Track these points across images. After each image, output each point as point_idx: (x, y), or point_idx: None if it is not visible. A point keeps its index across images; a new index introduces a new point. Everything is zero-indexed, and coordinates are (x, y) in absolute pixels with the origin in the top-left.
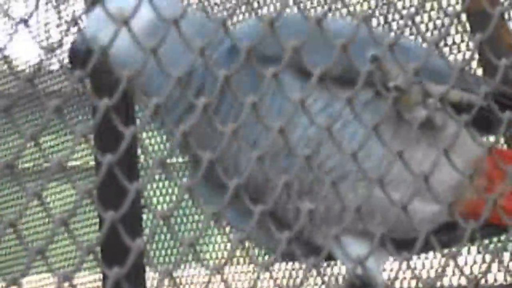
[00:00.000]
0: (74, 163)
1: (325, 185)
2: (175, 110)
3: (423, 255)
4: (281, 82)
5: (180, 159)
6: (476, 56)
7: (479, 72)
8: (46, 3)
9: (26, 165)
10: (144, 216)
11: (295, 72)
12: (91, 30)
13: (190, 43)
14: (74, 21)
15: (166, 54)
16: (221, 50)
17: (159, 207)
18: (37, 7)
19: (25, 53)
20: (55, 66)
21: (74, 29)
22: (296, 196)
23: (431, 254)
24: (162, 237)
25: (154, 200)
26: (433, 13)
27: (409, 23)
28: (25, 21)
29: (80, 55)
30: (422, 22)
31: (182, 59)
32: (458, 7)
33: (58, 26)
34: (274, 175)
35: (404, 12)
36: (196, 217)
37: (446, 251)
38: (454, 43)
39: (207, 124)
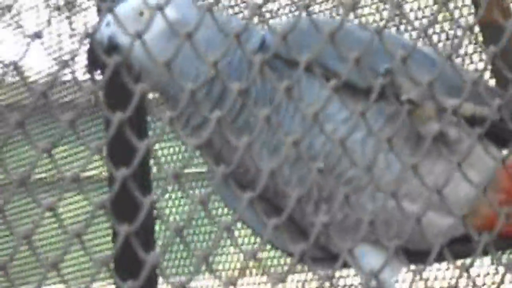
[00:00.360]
0: (87, 173)
1: (344, 194)
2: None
3: (435, 267)
4: (311, 90)
5: (194, 170)
6: (489, 67)
7: (492, 83)
8: (58, 14)
9: (40, 175)
10: (157, 227)
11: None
12: (112, 31)
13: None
14: (88, 35)
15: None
16: (251, 46)
17: (171, 218)
18: (49, 22)
19: (37, 63)
20: (68, 77)
21: (87, 42)
22: (314, 205)
23: (444, 265)
24: (175, 247)
25: (167, 211)
26: (445, 24)
27: (422, 35)
28: (38, 35)
29: (99, 58)
30: (434, 32)
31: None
32: (471, 18)
33: (70, 36)
34: (295, 181)
35: (416, 23)
36: (209, 227)
37: (459, 262)
38: (466, 54)
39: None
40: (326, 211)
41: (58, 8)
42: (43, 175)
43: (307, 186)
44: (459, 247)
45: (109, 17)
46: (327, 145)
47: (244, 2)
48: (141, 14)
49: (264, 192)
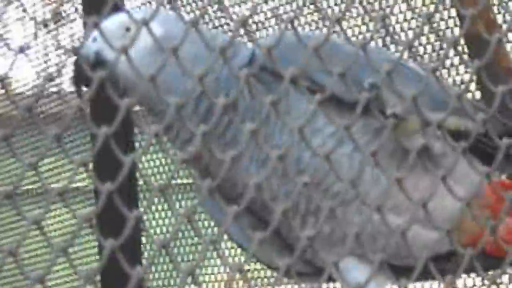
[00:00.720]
0: (74, 185)
1: (331, 208)
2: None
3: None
4: (299, 104)
5: (180, 181)
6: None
7: (478, 95)
8: (45, 25)
9: (27, 187)
10: (143, 239)
11: (309, 95)
12: (98, 46)
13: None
14: (74, 51)
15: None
16: (239, 61)
17: (158, 229)
18: (36, 36)
19: (23, 75)
20: (54, 88)
21: (72, 58)
22: (301, 218)
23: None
24: (161, 260)
25: (154, 222)
26: (431, 36)
27: (407, 49)
28: (23, 49)
29: (84, 73)
30: (420, 44)
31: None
32: (456, 30)
33: (57, 48)
34: (282, 195)
35: (403, 34)
36: (195, 239)
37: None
38: (452, 65)
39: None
40: (312, 225)
41: (45, 25)
42: (30, 186)
43: (293, 199)
44: (445, 264)
45: (95, 32)
46: (314, 159)
47: (229, 15)
48: (128, 29)
49: (251, 205)
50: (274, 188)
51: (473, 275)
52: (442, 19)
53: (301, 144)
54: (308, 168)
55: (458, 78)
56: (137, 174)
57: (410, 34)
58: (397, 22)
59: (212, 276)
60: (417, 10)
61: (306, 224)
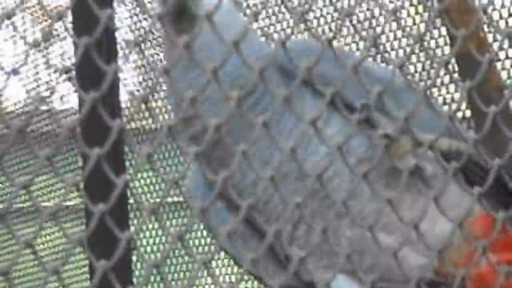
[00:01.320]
0: (66, 203)
1: (325, 217)
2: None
3: None
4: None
5: (171, 199)
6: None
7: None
8: (35, 46)
9: (18, 205)
10: (134, 257)
11: (318, 97)
12: None
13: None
14: (66, 70)
15: None
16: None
17: (149, 248)
18: (27, 58)
19: (14, 94)
20: (45, 107)
21: (63, 77)
22: (293, 225)
23: None
24: (152, 279)
25: (144, 241)
26: (421, 54)
27: (397, 70)
28: (15, 71)
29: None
30: (410, 63)
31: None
32: (447, 48)
33: (47, 68)
34: (277, 199)
35: (393, 53)
36: (187, 258)
37: None
38: (442, 83)
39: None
40: (304, 232)
41: (36, 45)
42: (21, 205)
43: (288, 203)
44: None
45: None
46: (318, 166)
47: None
48: None
49: (250, 214)
50: (270, 192)
51: None
52: (432, 37)
53: (307, 149)
54: (310, 174)
55: (448, 96)
56: (128, 193)
57: (401, 53)
58: (387, 41)
59: None
60: (407, 29)
61: (298, 230)
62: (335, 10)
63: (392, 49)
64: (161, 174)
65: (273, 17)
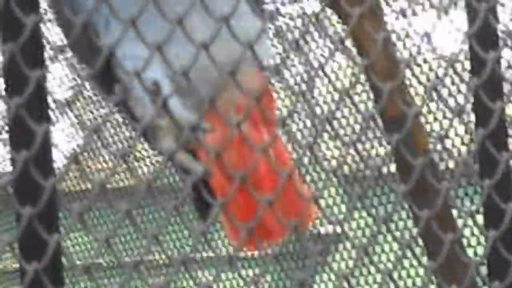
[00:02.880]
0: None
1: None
2: None
3: None
4: None
5: (105, 260)
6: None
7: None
8: None
9: None
10: None
11: None
12: None
13: None
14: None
15: None
16: None
17: None
18: None
19: None
20: None
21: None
22: None
23: None
24: None
25: None
26: (348, 112)
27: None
28: None
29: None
30: (335, 118)
31: None
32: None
33: None
34: None
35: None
36: None
37: None
38: (375, 136)
39: None
40: None
41: None
42: None
43: None
44: None
45: None
46: None
47: None
48: None
49: None
50: None
51: None
52: (356, 93)
53: None
54: None
55: (373, 152)
56: (61, 254)
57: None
58: (312, 97)
59: None
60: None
61: None
62: None
63: (317, 104)
64: (94, 234)
65: None
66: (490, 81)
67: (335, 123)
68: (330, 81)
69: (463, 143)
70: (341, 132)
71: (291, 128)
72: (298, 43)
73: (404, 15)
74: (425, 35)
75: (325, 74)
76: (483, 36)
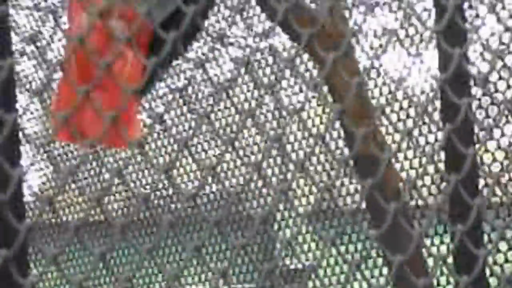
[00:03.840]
0: None
1: None
2: None
3: None
4: None
5: None
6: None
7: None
8: None
9: None
10: None
11: None
12: None
13: None
14: None
15: None
16: None
17: None
18: None
19: None
20: None
21: None
22: None
23: None
24: None
25: None
26: (322, 156)
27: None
28: None
29: None
30: (311, 164)
31: None
32: (346, 150)
33: None
34: None
35: (294, 155)
36: None
37: None
38: (343, 184)
39: None
40: None
41: None
42: None
43: None
44: None
45: None
46: None
47: None
48: None
49: None
50: None
51: None
52: (332, 138)
53: None
54: None
55: (349, 200)
56: None
57: (302, 154)
58: (288, 142)
59: None
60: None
61: None
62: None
63: (293, 151)
64: (67, 275)
65: None
66: (462, 126)
67: (309, 167)
68: (304, 126)
69: (433, 183)
70: (316, 177)
71: (266, 172)
72: (272, 87)
73: (378, 58)
74: (399, 80)
75: (300, 119)
76: (455, 79)
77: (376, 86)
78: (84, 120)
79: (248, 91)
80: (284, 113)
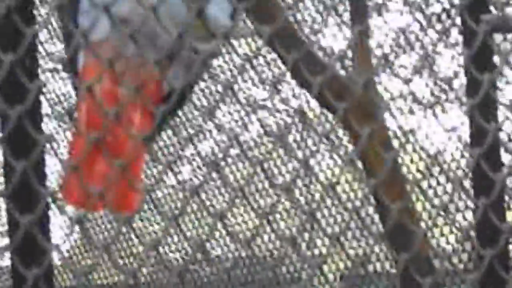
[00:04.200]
0: None
1: None
2: None
3: None
4: None
5: None
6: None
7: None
8: None
9: None
10: None
11: None
12: None
13: None
14: None
15: None
16: None
17: None
18: None
19: None
20: None
21: None
22: None
23: None
24: None
25: None
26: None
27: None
28: None
29: None
30: (322, 216)
31: None
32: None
33: None
34: None
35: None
36: None
37: None
38: (378, 259)
39: None
40: None
41: None
42: None
43: None
44: None
45: None
46: None
47: None
48: None
49: None
50: None
51: None
52: (367, 213)
53: None
54: None
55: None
56: None
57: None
58: (323, 216)
59: None
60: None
61: None
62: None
63: (328, 224)
64: None
65: None
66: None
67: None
68: (339, 200)
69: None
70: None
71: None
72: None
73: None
74: (437, 153)
75: (335, 193)
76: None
77: (412, 161)
78: (93, 175)
79: (283, 164)
80: (318, 186)
